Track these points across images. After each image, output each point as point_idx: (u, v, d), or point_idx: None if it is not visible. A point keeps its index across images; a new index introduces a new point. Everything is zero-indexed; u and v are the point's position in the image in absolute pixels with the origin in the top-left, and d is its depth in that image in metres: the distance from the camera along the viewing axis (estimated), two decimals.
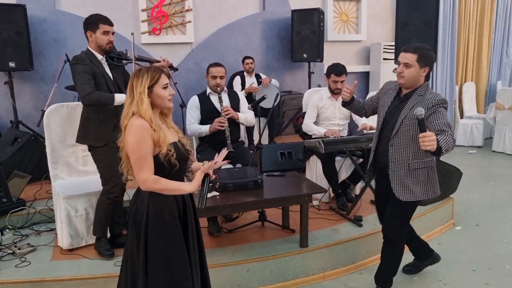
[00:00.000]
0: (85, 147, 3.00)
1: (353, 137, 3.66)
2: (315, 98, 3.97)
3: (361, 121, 3.92)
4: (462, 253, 3.47)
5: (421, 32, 4.70)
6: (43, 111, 3.97)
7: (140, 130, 1.86)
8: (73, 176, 3.40)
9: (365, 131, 3.75)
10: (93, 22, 2.86)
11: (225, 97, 3.75)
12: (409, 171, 2.50)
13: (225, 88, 3.77)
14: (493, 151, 6.71)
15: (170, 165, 1.91)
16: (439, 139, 2.10)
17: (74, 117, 3.25)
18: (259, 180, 3.04)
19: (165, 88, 1.96)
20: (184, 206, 2.05)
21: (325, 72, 4.10)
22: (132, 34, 3.11)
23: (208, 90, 3.74)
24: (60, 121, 3.29)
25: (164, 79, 1.96)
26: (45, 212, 3.72)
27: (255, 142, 4.34)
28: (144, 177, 1.87)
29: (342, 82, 3.80)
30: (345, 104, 2.90)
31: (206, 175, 1.93)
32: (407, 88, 2.54)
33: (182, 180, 2.05)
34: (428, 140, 2.05)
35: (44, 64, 5.50)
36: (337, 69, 3.83)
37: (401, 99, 2.57)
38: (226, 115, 3.58)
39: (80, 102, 2.98)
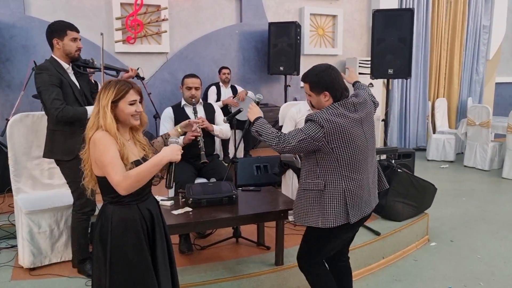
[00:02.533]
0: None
1: None
2: (292, 112, 3.91)
3: None
4: (437, 270, 3.45)
5: (396, 48, 4.76)
6: (8, 120, 3.77)
7: (104, 138, 1.80)
8: (37, 190, 3.23)
9: None
10: (60, 29, 2.73)
11: (200, 109, 3.66)
12: (300, 191, 2.30)
13: (201, 100, 3.68)
14: (465, 166, 6.83)
15: None
16: (262, 122, 2.25)
17: (39, 127, 3.10)
18: (234, 196, 2.95)
19: (131, 104, 1.88)
20: (152, 220, 1.97)
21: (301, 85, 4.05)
22: (102, 34, 2.99)
23: (183, 102, 3.64)
24: (25, 131, 3.13)
25: (132, 95, 1.88)
26: (6, 227, 3.51)
27: (231, 155, 4.27)
28: (116, 181, 1.76)
29: None
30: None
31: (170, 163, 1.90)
32: None
33: (145, 193, 1.97)
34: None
35: (12, 71, 5.28)
36: None
37: None
38: (200, 125, 3.47)
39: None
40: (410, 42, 4.72)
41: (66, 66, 2.78)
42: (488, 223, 4.46)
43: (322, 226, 2.20)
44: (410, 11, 4.75)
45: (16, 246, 3.20)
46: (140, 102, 1.94)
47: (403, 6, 7.24)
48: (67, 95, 2.72)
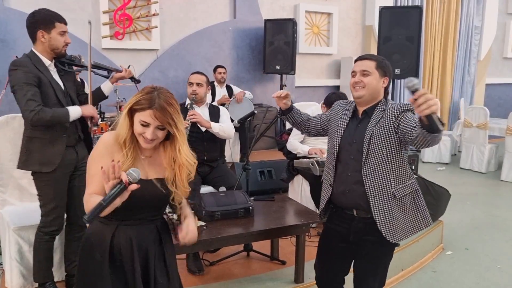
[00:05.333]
0: None
1: None
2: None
3: (301, 147, 3.62)
4: (459, 282, 3.26)
5: (403, 47, 4.57)
6: None
7: (100, 145, 1.61)
8: (26, 202, 2.87)
9: (316, 157, 3.25)
10: (47, 20, 2.33)
11: (204, 110, 3.36)
12: (395, 202, 1.98)
13: (208, 102, 3.39)
14: (461, 168, 6.72)
15: None
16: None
17: None
18: (250, 207, 2.68)
19: (142, 124, 1.55)
20: (130, 250, 1.63)
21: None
22: (90, 22, 2.62)
23: (187, 101, 3.33)
24: (11, 135, 2.79)
25: (145, 116, 1.53)
26: None
27: (227, 159, 3.97)
28: (84, 196, 1.60)
29: None
30: (283, 113, 2.31)
31: (120, 182, 1.39)
32: (365, 103, 2.05)
33: (136, 218, 1.64)
34: (426, 97, 1.59)
35: None
36: None
37: (360, 119, 2.08)
38: (191, 119, 3.12)
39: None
40: (418, 41, 4.55)
41: (48, 62, 2.39)
42: (499, 229, 4.32)
43: (430, 223, 2.09)
44: (419, 9, 4.58)
45: (1, 264, 2.84)
46: (161, 128, 1.56)
47: (398, 5, 7.10)
48: (48, 96, 2.34)
